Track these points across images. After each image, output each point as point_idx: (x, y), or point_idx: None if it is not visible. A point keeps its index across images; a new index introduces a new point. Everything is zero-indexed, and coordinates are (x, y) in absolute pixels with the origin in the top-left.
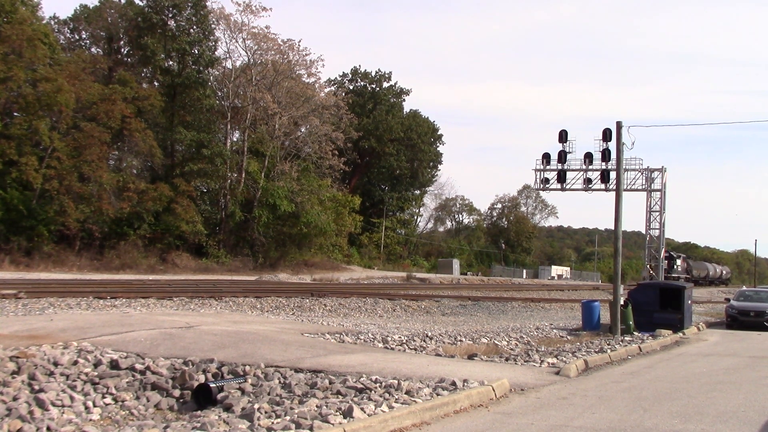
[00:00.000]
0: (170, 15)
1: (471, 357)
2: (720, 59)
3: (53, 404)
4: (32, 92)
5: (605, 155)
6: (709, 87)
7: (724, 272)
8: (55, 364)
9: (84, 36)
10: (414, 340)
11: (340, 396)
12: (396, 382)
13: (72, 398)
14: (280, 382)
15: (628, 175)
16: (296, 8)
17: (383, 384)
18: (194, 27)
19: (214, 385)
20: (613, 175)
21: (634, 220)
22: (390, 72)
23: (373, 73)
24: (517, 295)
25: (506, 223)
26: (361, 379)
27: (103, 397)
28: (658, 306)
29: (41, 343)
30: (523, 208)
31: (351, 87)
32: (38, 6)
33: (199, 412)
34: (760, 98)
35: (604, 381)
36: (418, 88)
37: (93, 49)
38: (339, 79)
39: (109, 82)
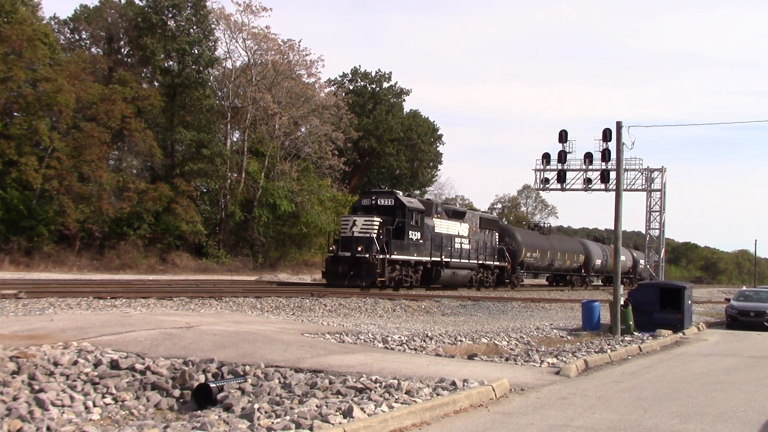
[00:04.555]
0: (170, 15)
1: (471, 357)
2: (720, 60)
3: (53, 404)
4: (32, 92)
5: (605, 155)
6: (709, 87)
7: (625, 259)
8: (55, 364)
9: (84, 36)
10: (414, 340)
11: (340, 396)
12: (396, 382)
13: (72, 398)
14: (280, 382)
15: (628, 175)
16: (296, 8)
17: (383, 384)
18: (194, 27)
19: (214, 385)
20: (613, 175)
21: (634, 220)
22: (390, 72)
23: (373, 73)
24: (517, 295)
25: (506, 223)
26: (361, 379)
27: (103, 397)
28: (658, 306)
29: (41, 343)
30: (523, 208)
31: (351, 87)
32: (38, 6)
33: (199, 412)
34: (760, 98)
35: (604, 381)
36: (418, 88)
37: (93, 49)
38: (339, 79)
39: (109, 82)
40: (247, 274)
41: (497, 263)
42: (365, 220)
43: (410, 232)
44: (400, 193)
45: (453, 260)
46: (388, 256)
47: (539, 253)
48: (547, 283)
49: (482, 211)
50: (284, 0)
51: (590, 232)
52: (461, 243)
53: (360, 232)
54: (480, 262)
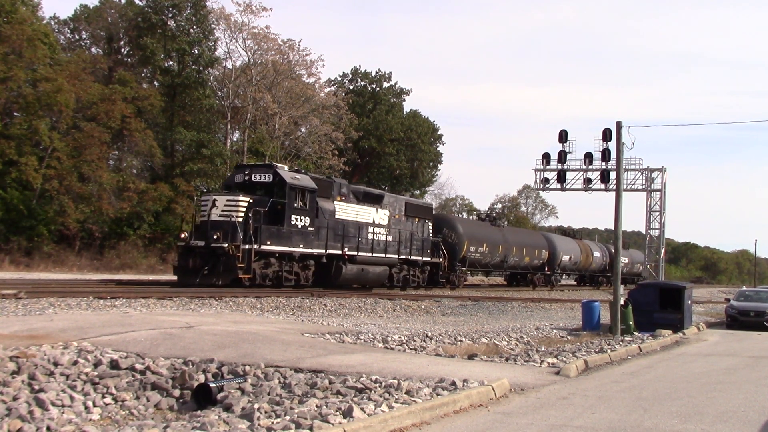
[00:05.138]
0: (170, 15)
1: (471, 357)
2: (720, 60)
3: (53, 404)
4: (32, 92)
5: (605, 155)
6: (709, 87)
7: (599, 255)
8: (55, 364)
9: (84, 36)
10: (414, 340)
11: (340, 396)
12: (396, 382)
13: (72, 398)
14: (280, 382)
15: (628, 175)
16: (296, 8)
17: (383, 384)
18: (194, 27)
19: (214, 385)
20: (613, 175)
21: (634, 220)
22: (390, 72)
23: (373, 73)
24: (517, 295)
25: (506, 223)
26: (361, 379)
27: (103, 397)
28: (658, 306)
29: (41, 343)
30: (523, 208)
31: (351, 87)
32: (38, 6)
33: (199, 412)
34: (760, 99)
35: (604, 381)
36: (418, 88)
37: (93, 49)
38: (339, 79)
39: (109, 82)
40: None
41: (428, 258)
42: (228, 200)
43: (293, 216)
44: (285, 167)
45: (361, 254)
46: (256, 247)
47: (487, 247)
48: (505, 282)
49: (409, 197)
50: (284, 0)
51: (590, 232)
52: (376, 233)
53: (220, 216)
54: (403, 257)
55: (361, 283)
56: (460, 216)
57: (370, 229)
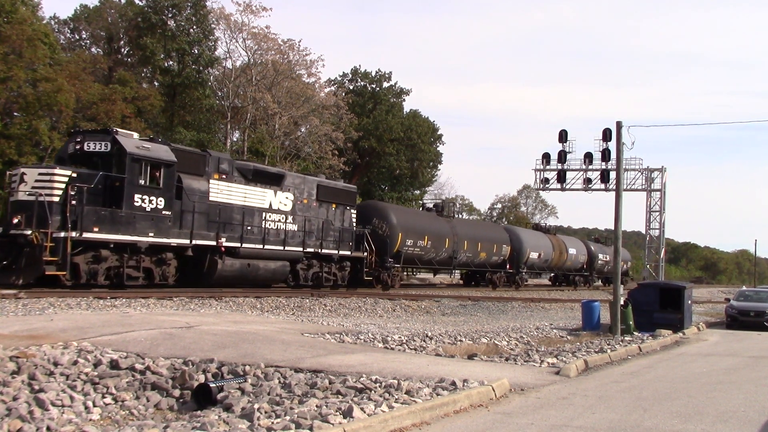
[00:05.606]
0: (170, 15)
1: (471, 357)
2: (720, 60)
3: (53, 404)
4: (32, 92)
5: (605, 155)
6: (709, 87)
7: (575, 252)
8: (55, 364)
9: (84, 36)
10: (414, 340)
11: (340, 396)
12: (396, 382)
13: (72, 398)
14: (280, 382)
15: (628, 175)
16: (296, 8)
17: (383, 384)
18: (194, 27)
19: (214, 385)
20: (613, 175)
21: (634, 220)
22: (390, 72)
23: (373, 73)
24: (517, 295)
25: (506, 223)
26: (361, 379)
27: (103, 397)
28: (658, 306)
29: (41, 343)
30: (523, 208)
31: (351, 87)
32: (38, 6)
33: (199, 412)
34: (760, 98)
35: (604, 381)
36: (418, 88)
37: (93, 49)
38: (339, 79)
39: (109, 82)
40: None
41: (348, 252)
42: (40, 173)
43: (138, 196)
44: (133, 135)
45: (248, 245)
46: (76, 234)
47: (430, 241)
48: (461, 282)
49: (323, 178)
50: (284, 0)
51: (590, 232)
52: (273, 220)
53: (29, 194)
54: (311, 250)
55: (249, 282)
56: (395, 204)
57: (265, 215)
